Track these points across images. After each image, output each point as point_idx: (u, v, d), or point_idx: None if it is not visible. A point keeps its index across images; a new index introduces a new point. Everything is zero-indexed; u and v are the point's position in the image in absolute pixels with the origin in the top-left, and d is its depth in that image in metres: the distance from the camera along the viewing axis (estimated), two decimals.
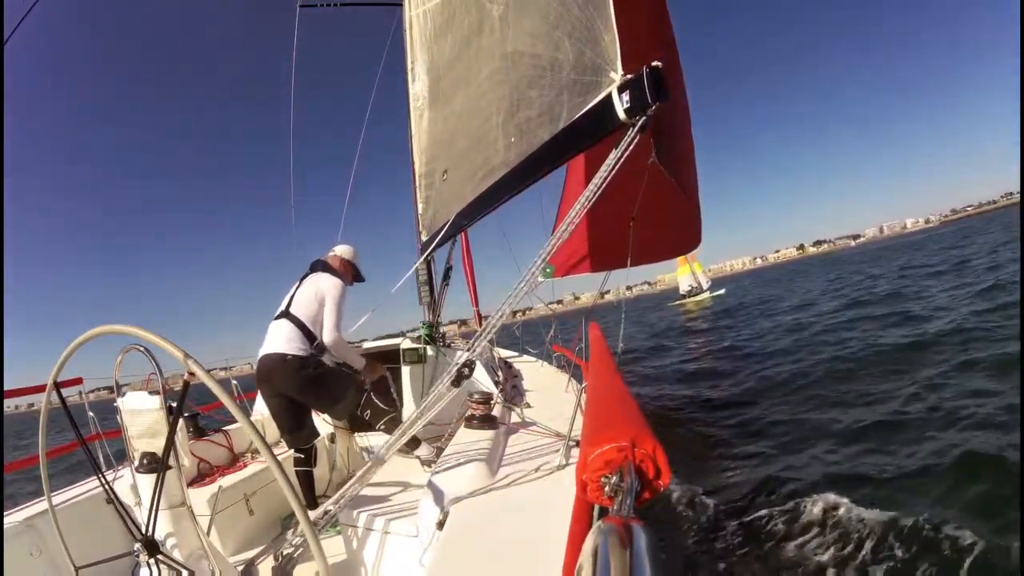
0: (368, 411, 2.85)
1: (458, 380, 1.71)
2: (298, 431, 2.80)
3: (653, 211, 2.90)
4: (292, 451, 2.95)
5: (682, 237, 3.57)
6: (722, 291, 40.84)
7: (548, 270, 3.34)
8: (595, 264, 3.22)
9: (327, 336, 2.75)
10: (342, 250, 3.18)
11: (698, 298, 40.14)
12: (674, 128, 2.54)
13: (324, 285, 2.83)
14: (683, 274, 43.61)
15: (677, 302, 41.88)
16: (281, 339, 2.71)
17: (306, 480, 2.79)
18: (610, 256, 2.87)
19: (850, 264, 43.99)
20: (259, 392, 3.57)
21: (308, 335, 2.74)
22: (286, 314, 2.78)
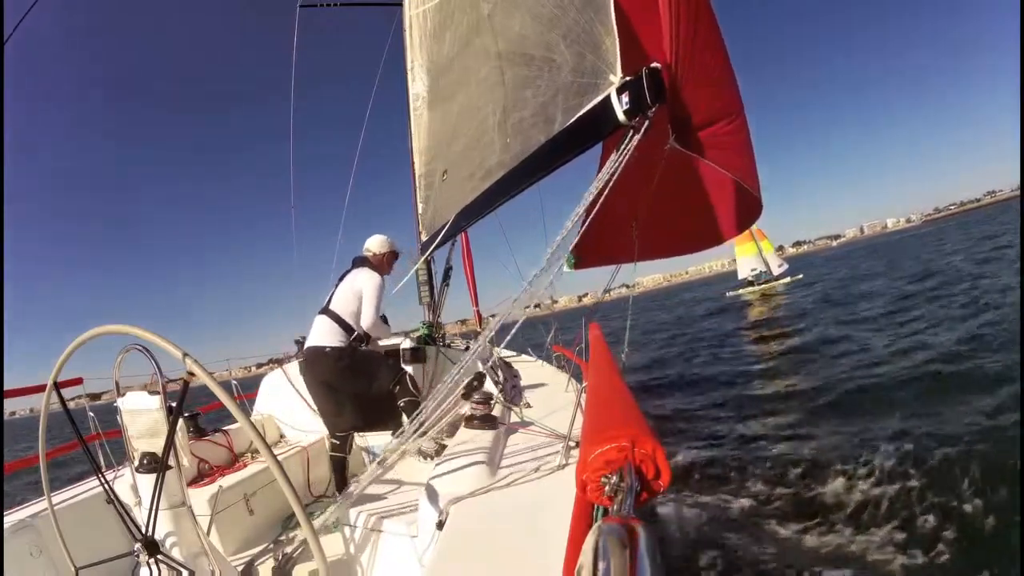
0: (398, 386, 3.06)
1: (468, 392, 1.72)
2: (337, 417, 3.03)
3: (686, 197, 2.81)
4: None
5: (727, 219, 3.22)
6: (799, 275, 30.79)
7: (571, 260, 3.31)
8: (620, 255, 3.13)
9: (365, 323, 3.01)
10: (374, 244, 3.32)
11: (767, 285, 30.45)
12: (714, 107, 2.38)
13: (360, 282, 3.08)
14: (746, 255, 32.50)
15: (736, 291, 31.87)
16: (322, 333, 3.01)
17: (339, 466, 3.00)
18: (643, 246, 2.80)
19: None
20: (260, 390, 3.64)
21: (346, 328, 3.01)
22: (326, 310, 3.07)
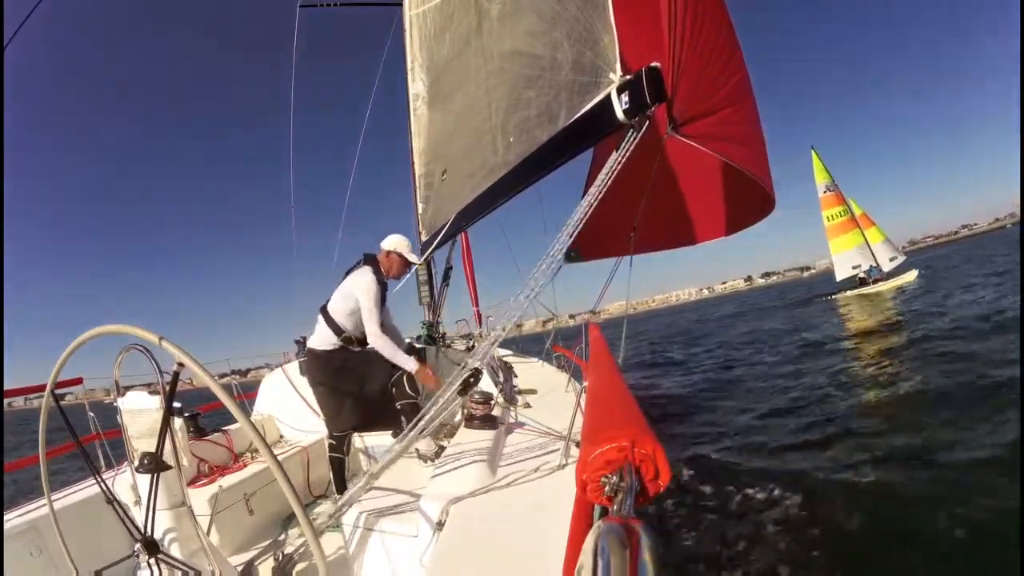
0: (395, 389, 3.01)
1: (465, 389, 1.71)
2: (337, 416, 3.01)
3: (687, 188, 2.77)
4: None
5: (732, 212, 3.10)
6: (911, 275, 23.67)
7: (572, 254, 3.29)
8: (618, 248, 3.07)
9: (370, 340, 2.90)
10: (386, 241, 3.17)
11: (878, 288, 23.26)
12: (718, 94, 2.29)
13: (354, 286, 2.96)
14: (846, 248, 25.49)
15: (832, 295, 25.24)
16: (316, 336, 3.03)
17: (338, 466, 2.97)
18: (643, 239, 2.70)
19: None
20: (260, 390, 3.64)
21: (335, 329, 2.98)
22: (323, 309, 3.04)
